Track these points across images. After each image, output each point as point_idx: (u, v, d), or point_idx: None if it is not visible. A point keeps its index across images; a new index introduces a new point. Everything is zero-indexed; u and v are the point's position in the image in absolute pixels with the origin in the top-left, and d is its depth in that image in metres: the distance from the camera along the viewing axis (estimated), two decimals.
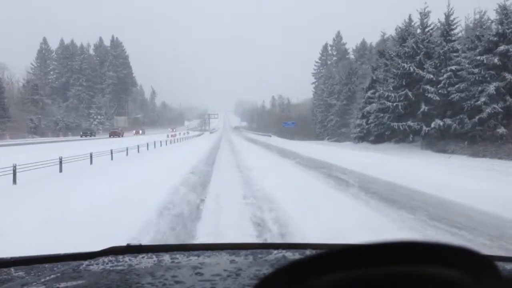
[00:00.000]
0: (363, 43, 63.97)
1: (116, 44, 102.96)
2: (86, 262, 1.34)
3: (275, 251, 1.46)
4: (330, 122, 58.95)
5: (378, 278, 0.49)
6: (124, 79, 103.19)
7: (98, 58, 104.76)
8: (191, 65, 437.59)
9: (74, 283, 1.11)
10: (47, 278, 1.15)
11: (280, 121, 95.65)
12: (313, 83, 79.12)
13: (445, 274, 0.50)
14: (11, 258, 1.43)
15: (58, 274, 1.20)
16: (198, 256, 1.41)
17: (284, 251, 1.47)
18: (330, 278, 0.49)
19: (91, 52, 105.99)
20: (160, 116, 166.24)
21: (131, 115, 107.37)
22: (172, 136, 51.85)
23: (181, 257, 1.39)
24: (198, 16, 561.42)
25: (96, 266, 1.29)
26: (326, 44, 78.39)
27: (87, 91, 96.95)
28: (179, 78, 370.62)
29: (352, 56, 70.81)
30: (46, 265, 1.35)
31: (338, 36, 77.20)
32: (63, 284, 1.09)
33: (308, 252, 1.47)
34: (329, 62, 78.08)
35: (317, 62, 78.78)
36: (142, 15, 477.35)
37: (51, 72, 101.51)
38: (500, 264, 1.19)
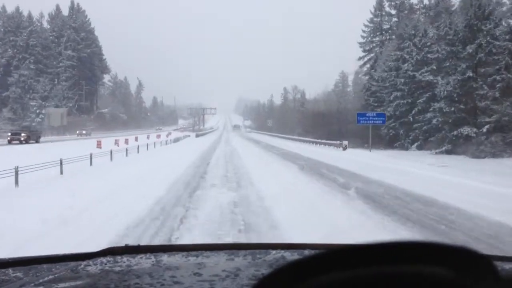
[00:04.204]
0: None
1: (76, 12, 75.50)
2: (84, 263, 1.31)
3: (274, 252, 1.44)
4: (421, 115, 31.57)
5: (377, 278, 0.48)
6: (88, 61, 75.81)
7: (54, 33, 77.64)
8: (189, 61, 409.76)
9: (72, 283, 1.11)
10: (45, 279, 1.14)
11: (301, 118, 68.24)
12: (361, 57, 51.86)
13: (444, 274, 0.49)
14: (9, 258, 1.39)
15: (56, 275, 1.19)
16: (197, 256, 1.39)
17: (282, 251, 1.45)
18: (329, 278, 0.48)
19: (45, 24, 79.02)
20: (151, 114, 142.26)
21: (105, 110, 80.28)
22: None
23: (179, 258, 1.38)
24: (197, 12, 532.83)
25: (94, 266, 1.27)
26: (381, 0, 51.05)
27: (35, 77, 69.92)
28: (176, 75, 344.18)
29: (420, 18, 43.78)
30: (44, 266, 1.32)
31: None
32: (61, 285, 1.09)
33: (306, 252, 1.45)
34: (385, 27, 50.83)
35: (367, 25, 51.54)
36: (136, 9, 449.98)
37: None
38: (499, 264, 1.16)
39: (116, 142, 26.14)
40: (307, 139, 44.05)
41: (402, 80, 33.45)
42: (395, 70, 35.77)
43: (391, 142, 35.28)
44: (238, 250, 1.48)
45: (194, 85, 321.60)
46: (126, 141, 28.26)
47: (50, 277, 1.17)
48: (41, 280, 1.13)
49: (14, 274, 1.23)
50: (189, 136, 50.71)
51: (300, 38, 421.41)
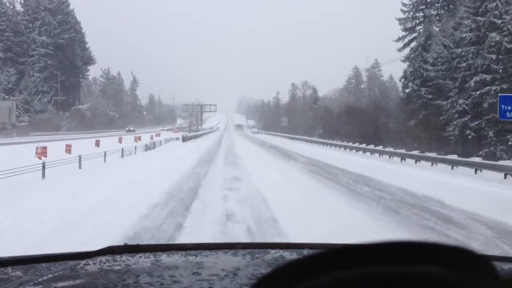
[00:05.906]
0: None
1: None
2: (84, 262, 1.31)
3: (273, 251, 1.44)
4: None
5: (375, 278, 0.48)
6: (68, 49, 64.99)
7: (27, 17, 66.89)
8: (189, 60, 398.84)
9: (72, 282, 1.11)
10: (45, 277, 1.15)
11: (322, 117, 57.20)
12: (401, 37, 40.89)
13: (444, 274, 0.49)
14: (9, 257, 1.39)
15: (56, 274, 1.20)
16: (196, 255, 1.39)
17: (281, 251, 1.45)
18: (328, 278, 0.48)
19: (18, 7, 68.21)
20: (148, 112, 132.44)
21: (83, 106, 69.52)
22: None
23: (178, 257, 1.38)
24: (197, 11, 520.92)
25: (93, 265, 1.27)
26: None
27: (4, 67, 59.32)
28: (176, 74, 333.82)
29: None
30: (44, 265, 1.32)
31: None
32: (60, 284, 1.09)
33: (305, 252, 1.44)
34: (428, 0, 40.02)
35: None
36: (135, 7, 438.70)
37: None
38: (498, 264, 1.16)
39: (43, 152, 15.25)
40: (354, 145, 32.18)
41: (493, 57, 22.43)
42: (471, 44, 24.83)
43: (467, 147, 24.36)
44: (237, 250, 1.47)
45: (194, 84, 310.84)
46: (69, 150, 17.38)
47: (49, 276, 1.17)
48: (40, 279, 1.12)
49: (14, 273, 1.22)
50: (177, 139, 38.94)
51: (302, 37, 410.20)
